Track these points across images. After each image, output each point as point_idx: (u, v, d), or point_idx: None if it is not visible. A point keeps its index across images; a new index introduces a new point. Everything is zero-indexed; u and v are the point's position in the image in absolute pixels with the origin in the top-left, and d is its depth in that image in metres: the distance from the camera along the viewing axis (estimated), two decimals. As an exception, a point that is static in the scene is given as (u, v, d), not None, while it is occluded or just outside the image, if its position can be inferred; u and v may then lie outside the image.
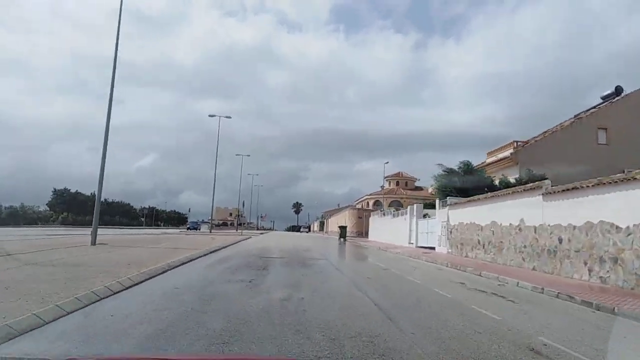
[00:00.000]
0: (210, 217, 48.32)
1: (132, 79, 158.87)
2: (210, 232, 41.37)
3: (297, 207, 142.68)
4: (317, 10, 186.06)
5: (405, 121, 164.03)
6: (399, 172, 66.70)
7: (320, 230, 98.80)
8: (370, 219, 39.75)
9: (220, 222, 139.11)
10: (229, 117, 42.01)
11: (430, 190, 31.83)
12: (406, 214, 27.18)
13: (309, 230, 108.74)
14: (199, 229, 56.52)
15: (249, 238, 33.92)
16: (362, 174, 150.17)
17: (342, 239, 38.05)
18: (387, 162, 58.11)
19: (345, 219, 55.30)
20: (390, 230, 30.93)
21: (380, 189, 70.26)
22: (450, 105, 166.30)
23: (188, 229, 58.28)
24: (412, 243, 25.58)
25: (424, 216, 25.20)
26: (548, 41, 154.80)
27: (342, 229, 38.92)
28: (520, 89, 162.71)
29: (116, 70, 16.83)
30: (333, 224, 68.22)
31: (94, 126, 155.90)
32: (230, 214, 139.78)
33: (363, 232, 48.95)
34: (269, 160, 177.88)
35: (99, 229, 16.31)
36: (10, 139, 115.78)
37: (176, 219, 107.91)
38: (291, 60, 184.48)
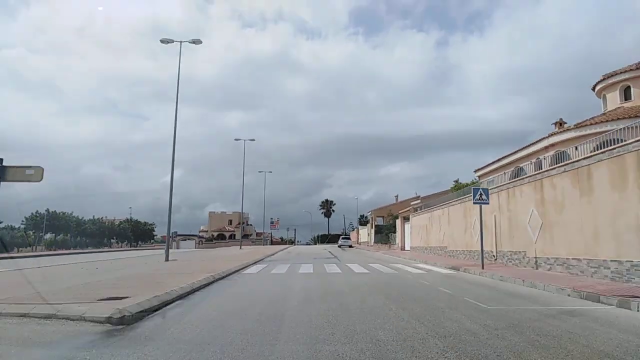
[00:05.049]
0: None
1: (157, 96, 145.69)
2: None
3: (327, 208, 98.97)
4: (336, 15, 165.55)
5: (429, 121, 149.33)
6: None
7: (379, 242, 55.03)
8: None
9: (215, 234, 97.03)
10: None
11: None
12: None
13: (351, 244, 64.90)
14: None
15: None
16: (387, 178, 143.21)
17: None
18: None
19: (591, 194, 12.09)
20: None
21: (554, 127, 26.30)
22: (475, 103, 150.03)
23: None
24: None
25: None
26: (573, 31, 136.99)
27: None
28: (546, 81, 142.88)
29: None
30: (416, 229, 24.52)
31: (121, 143, 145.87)
32: (230, 222, 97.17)
33: None
34: (292, 169, 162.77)
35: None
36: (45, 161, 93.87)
37: (131, 234, 65.80)
38: (311, 67, 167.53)
